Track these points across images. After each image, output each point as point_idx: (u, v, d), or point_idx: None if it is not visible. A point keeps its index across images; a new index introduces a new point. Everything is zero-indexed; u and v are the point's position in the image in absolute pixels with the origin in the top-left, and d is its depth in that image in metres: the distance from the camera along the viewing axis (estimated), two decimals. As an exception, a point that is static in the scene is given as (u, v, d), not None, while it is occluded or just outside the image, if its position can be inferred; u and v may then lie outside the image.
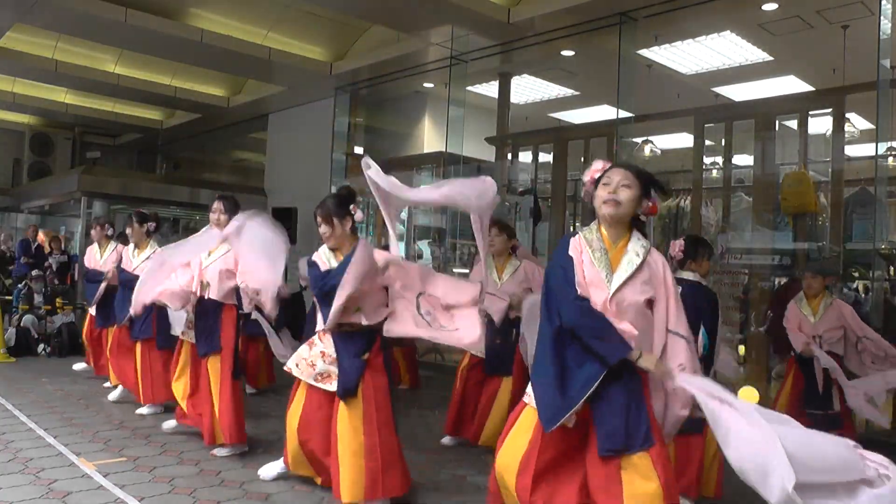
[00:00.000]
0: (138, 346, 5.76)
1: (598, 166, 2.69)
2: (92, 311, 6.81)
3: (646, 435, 2.49)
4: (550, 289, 2.64)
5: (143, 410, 5.66)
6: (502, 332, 4.84)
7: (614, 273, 2.58)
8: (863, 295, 7.19)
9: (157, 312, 5.48)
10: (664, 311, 2.65)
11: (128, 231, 6.18)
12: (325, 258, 3.77)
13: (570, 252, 2.63)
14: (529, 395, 2.68)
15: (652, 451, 2.49)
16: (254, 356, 6.81)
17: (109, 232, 6.95)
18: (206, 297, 4.68)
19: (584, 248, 2.64)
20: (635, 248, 2.62)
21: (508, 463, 2.65)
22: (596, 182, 2.67)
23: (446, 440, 5.16)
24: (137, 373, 5.76)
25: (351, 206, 3.73)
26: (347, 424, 3.54)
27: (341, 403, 3.59)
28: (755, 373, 7.01)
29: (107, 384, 6.50)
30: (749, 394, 4.60)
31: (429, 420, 5.93)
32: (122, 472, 4.08)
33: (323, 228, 3.70)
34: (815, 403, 5.14)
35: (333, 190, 10.99)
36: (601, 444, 2.53)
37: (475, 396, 5.01)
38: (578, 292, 2.56)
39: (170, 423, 5.04)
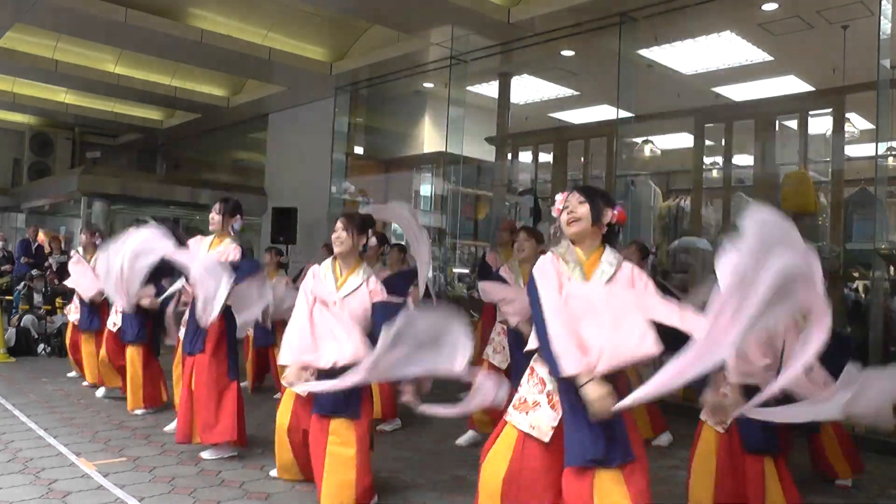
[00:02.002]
0: (130, 351, 5.82)
1: (559, 198, 2.83)
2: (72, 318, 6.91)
3: (623, 451, 2.50)
4: (533, 302, 2.69)
5: (139, 411, 5.69)
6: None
7: (589, 283, 2.68)
8: (863, 295, 7.18)
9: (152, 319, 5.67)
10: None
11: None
12: (322, 273, 3.77)
13: (549, 266, 2.72)
14: (510, 413, 2.73)
15: (626, 469, 2.50)
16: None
17: (98, 241, 7.00)
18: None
19: (559, 262, 2.73)
20: (608, 259, 2.72)
21: (491, 481, 2.68)
22: (561, 212, 2.81)
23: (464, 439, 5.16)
24: (128, 377, 5.79)
25: (371, 231, 3.88)
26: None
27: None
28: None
29: (85, 383, 6.66)
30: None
31: (428, 420, 5.93)
32: (122, 472, 4.08)
33: (339, 233, 3.75)
34: None
35: (333, 190, 11.01)
36: (567, 456, 2.54)
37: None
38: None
39: (172, 425, 5.03)
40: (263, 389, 6.93)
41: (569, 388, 2.53)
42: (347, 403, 3.59)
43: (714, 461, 3.64)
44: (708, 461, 3.66)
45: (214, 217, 4.72)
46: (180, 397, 4.74)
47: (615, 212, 2.75)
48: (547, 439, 2.60)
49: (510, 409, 2.74)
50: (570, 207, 2.75)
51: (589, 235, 2.74)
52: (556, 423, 2.60)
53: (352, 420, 3.61)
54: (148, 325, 5.85)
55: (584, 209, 2.72)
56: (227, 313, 4.54)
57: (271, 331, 6.56)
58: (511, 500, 2.62)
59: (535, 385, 2.69)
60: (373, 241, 3.94)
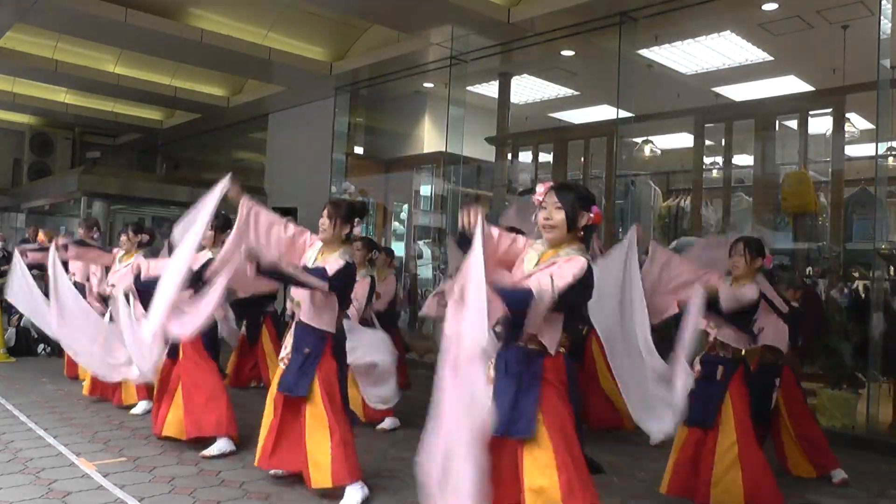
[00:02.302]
0: None
1: (540, 190, 2.85)
2: None
3: (523, 425, 2.66)
4: None
5: (139, 410, 5.69)
6: None
7: (535, 266, 2.81)
8: (862, 295, 7.18)
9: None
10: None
11: (122, 238, 6.20)
12: (308, 256, 3.94)
13: (517, 245, 2.94)
14: None
15: (526, 445, 2.66)
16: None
17: (95, 236, 7.01)
18: None
19: (527, 250, 2.89)
20: (564, 251, 2.76)
21: None
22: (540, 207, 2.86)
23: None
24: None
25: (356, 220, 3.97)
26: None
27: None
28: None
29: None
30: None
31: (429, 420, 5.92)
32: (122, 472, 4.09)
33: (324, 220, 3.89)
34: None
35: (333, 190, 11.00)
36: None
37: None
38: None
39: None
40: (261, 388, 6.91)
41: (505, 365, 2.76)
42: (297, 383, 3.75)
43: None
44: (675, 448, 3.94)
45: (207, 233, 4.80)
46: (156, 391, 4.88)
47: (591, 214, 2.76)
48: None
49: None
50: (546, 211, 2.78)
51: (564, 239, 2.78)
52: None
53: (310, 399, 3.74)
54: None
55: (559, 216, 2.75)
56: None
57: (257, 328, 6.75)
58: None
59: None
60: (357, 230, 4.00)
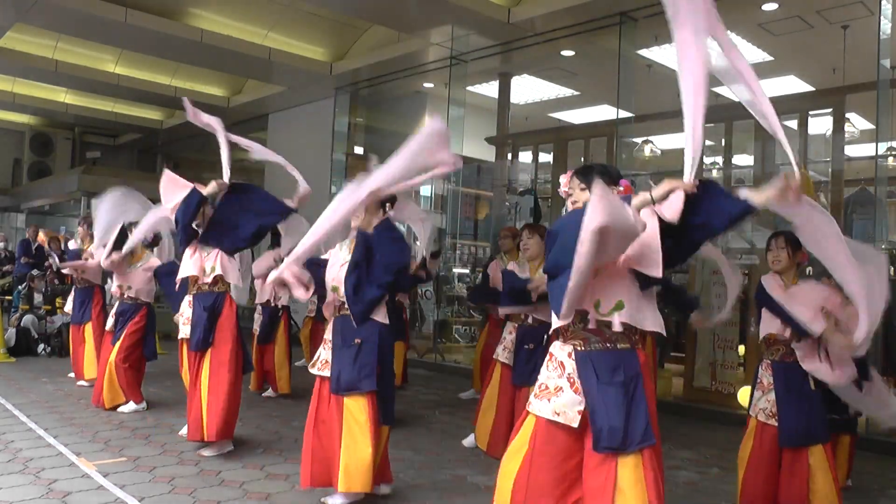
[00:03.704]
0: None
1: (563, 180, 2.73)
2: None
3: (644, 433, 2.46)
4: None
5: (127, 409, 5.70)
6: (536, 338, 4.43)
7: None
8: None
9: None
10: None
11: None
12: (338, 248, 3.90)
13: None
14: (531, 402, 2.63)
15: (646, 452, 2.45)
16: (270, 360, 6.72)
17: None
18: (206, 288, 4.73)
19: None
20: None
21: (503, 483, 2.61)
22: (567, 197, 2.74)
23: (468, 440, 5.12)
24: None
25: (387, 205, 3.92)
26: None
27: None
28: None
29: (81, 382, 6.72)
30: (746, 395, 4.52)
31: (428, 420, 5.93)
32: (122, 472, 4.08)
33: (358, 210, 3.79)
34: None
35: (334, 190, 11.00)
36: (598, 442, 2.46)
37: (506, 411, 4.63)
38: None
39: (185, 429, 4.92)
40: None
41: (597, 371, 2.49)
42: (360, 378, 3.54)
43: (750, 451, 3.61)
44: (744, 449, 3.65)
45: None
46: (188, 395, 4.67)
47: (620, 188, 2.63)
48: (576, 424, 2.50)
49: (531, 398, 2.63)
50: (573, 196, 2.66)
51: None
52: (581, 407, 2.50)
53: (364, 395, 3.54)
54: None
55: (585, 197, 2.59)
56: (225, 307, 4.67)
57: (269, 328, 6.67)
58: (521, 495, 2.53)
59: (555, 370, 2.58)
60: (390, 214, 3.94)
